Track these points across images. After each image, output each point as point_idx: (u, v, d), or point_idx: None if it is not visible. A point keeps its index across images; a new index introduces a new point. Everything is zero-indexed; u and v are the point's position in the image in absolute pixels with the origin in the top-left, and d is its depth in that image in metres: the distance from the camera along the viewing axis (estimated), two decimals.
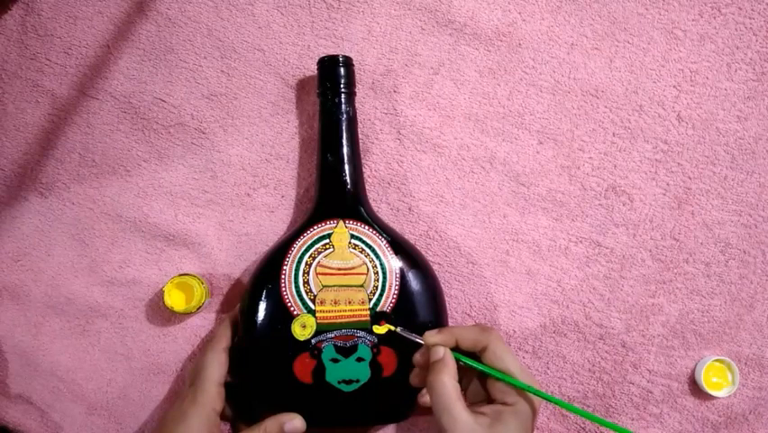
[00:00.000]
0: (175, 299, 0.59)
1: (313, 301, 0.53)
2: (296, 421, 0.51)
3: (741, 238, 0.61)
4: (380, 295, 0.53)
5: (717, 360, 0.60)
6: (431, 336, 0.50)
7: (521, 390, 0.47)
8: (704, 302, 0.61)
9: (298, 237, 0.54)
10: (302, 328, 0.53)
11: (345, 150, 0.56)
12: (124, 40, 0.61)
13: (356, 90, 0.58)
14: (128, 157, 0.61)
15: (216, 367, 0.52)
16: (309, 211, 0.57)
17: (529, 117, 0.61)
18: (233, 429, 0.56)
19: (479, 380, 0.50)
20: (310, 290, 0.53)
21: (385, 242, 0.55)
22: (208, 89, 0.61)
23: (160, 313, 0.61)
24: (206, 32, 0.61)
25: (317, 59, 0.57)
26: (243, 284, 0.61)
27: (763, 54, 0.60)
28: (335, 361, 0.53)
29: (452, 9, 0.61)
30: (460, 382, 0.48)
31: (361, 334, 0.53)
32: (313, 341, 0.53)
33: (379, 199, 0.61)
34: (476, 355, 0.49)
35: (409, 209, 0.61)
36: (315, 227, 0.55)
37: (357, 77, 0.59)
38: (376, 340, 0.53)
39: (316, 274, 0.53)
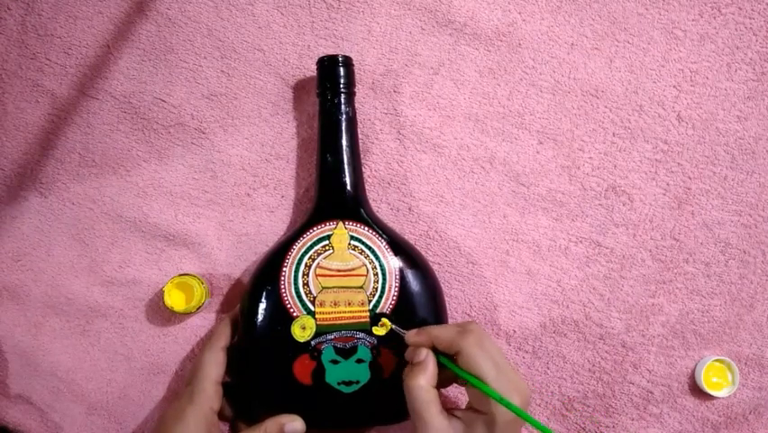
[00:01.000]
0: (175, 299, 0.59)
1: (312, 303, 0.53)
2: (296, 423, 0.51)
3: (741, 238, 0.61)
4: (380, 296, 0.53)
5: (717, 360, 0.60)
6: (411, 337, 0.50)
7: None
8: (704, 302, 0.61)
9: (298, 238, 0.54)
10: (302, 330, 0.53)
11: (345, 150, 0.56)
12: (124, 40, 0.61)
13: (356, 90, 0.58)
14: (128, 157, 0.61)
15: (214, 366, 0.52)
16: (309, 212, 0.57)
17: (529, 117, 0.61)
18: (233, 429, 0.56)
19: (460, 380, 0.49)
20: (310, 291, 0.53)
21: (385, 243, 0.55)
22: (208, 89, 0.61)
23: (160, 313, 0.61)
24: (206, 32, 0.61)
25: (317, 59, 0.57)
26: (243, 284, 0.61)
27: (763, 54, 0.60)
28: (335, 362, 0.53)
29: (452, 9, 0.61)
30: (442, 381, 0.48)
31: (361, 335, 0.53)
32: (313, 342, 0.53)
33: (379, 199, 0.61)
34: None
35: (409, 209, 0.61)
36: (315, 228, 0.55)
37: (357, 77, 0.59)
38: (376, 341, 0.53)
39: (316, 276, 0.53)
